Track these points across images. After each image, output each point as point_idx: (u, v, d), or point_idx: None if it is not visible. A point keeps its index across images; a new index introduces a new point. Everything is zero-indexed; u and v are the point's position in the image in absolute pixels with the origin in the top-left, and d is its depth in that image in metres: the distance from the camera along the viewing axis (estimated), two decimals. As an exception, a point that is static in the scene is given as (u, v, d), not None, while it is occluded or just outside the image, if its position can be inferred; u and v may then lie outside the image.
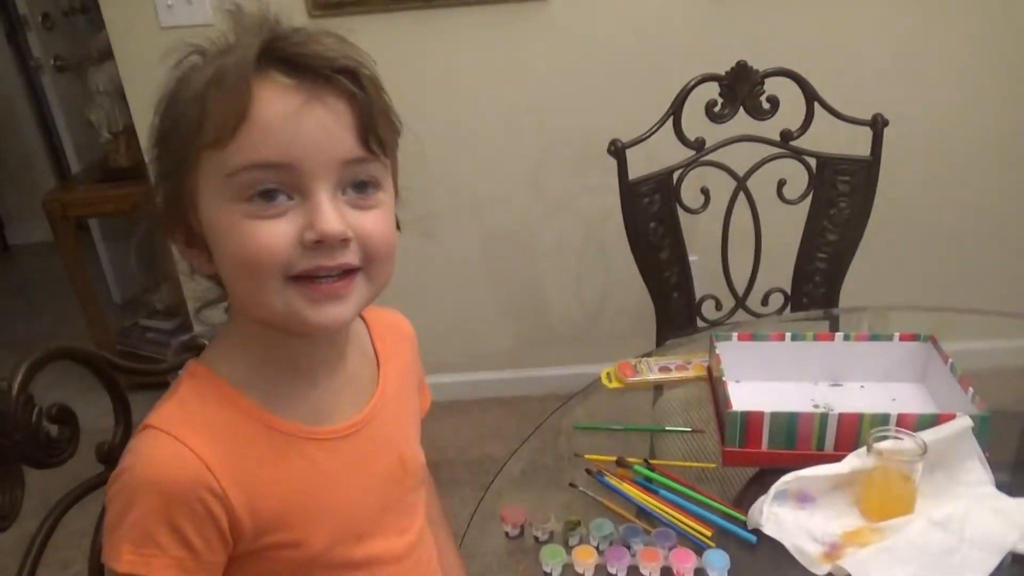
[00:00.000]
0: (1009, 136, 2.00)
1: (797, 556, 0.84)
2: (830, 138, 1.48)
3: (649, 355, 1.24)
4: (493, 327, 2.28)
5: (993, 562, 0.79)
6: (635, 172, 1.45)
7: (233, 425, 0.61)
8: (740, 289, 1.59)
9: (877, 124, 1.46)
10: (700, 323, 1.60)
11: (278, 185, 0.56)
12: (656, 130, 1.44)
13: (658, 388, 1.18)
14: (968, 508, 0.84)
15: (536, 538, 0.90)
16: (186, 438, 0.59)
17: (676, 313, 1.57)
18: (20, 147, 3.78)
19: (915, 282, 2.10)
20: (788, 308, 1.59)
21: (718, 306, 1.60)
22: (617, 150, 1.43)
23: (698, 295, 1.59)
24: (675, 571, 0.83)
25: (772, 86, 1.46)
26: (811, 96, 1.46)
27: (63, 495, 0.77)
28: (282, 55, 0.56)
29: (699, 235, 1.56)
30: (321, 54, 0.57)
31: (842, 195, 1.51)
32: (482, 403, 2.30)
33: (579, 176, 2.05)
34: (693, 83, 1.45)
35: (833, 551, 0.83)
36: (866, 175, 1.49)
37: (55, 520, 0.75)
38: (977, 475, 0.89)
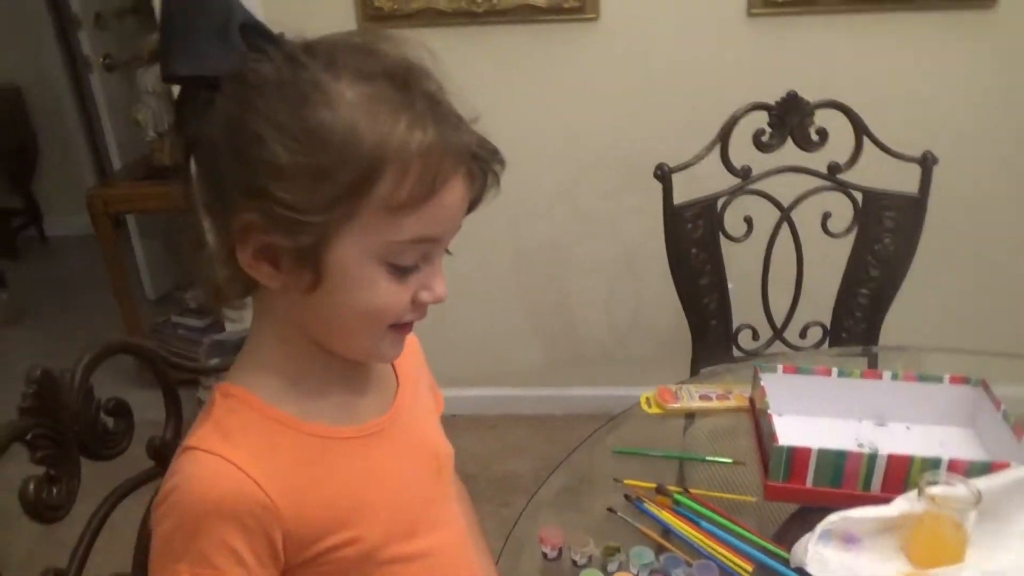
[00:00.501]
0: None
1: (842, 598, 0.82)
2: (878, 173, 1.47)
3: (688, 382, 1.23)
4: (521, 343, 2.28)
5: (1047, 617, 0.77)
6: (679, 197, 1.45)
7: (271, 437, 0.62)
8: (779, 320, 1.58)
9: (927, 161, 1.45)
10: (736, 352, 1.58)
11: (421, 255, 0.60)
12: (703, 156, 1.43)
13: (689, 417, 1.17)
14: (1020, 561, 0.82)
15: (574, 562, 0.89)
16: (228, 455, 0.59)
17: (713, 341, 1.56)
18: (63, 142, 3.85)
19: (956, 324, 2.07)
20: (827, 342, 1.58)
21: (755, 336, 1.59)
22: (664, 174, 1.43)
23: (735, 324, 1.57)
24: (716, 605, 0.81)
25: (822, 118, 1.45)
26: (860, 129, 1.45)
27: (113, 488, 0.78)
28: (478, 156, 0.60)
29: (740, 263, 1.55)
30: (496, 151, 0.61)
31: (887, 231, 1.49)
32: (506, 419, 2.30)
33: (617, 197, 2.05)
34: (743, 111, 1.44)
35: (880, 595, 0.82)
36: (913, 212, 1.47)
37: (107, 512, 0.75)
38: (1030, 526, 0.86)
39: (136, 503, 0.83)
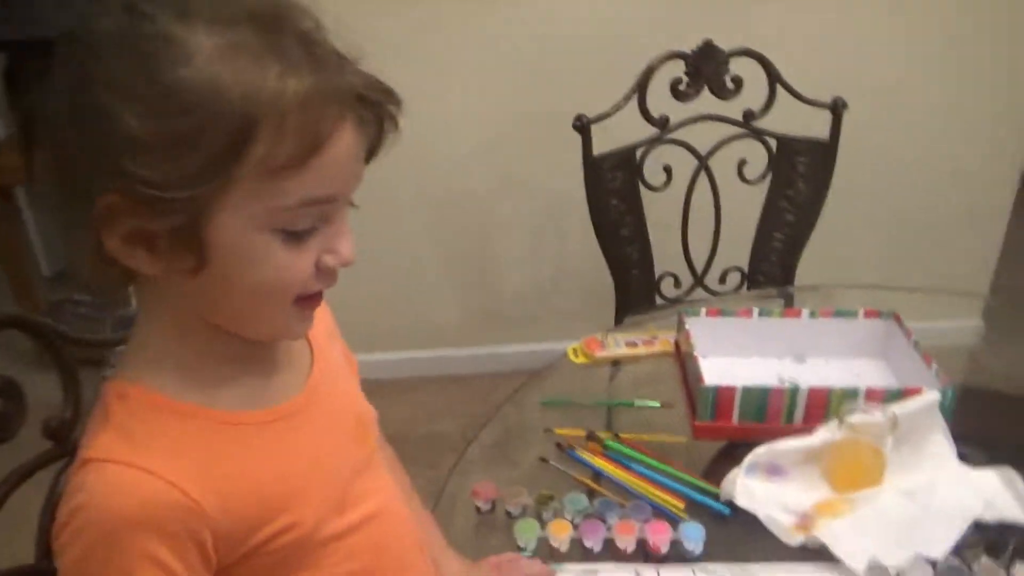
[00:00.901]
0: (965, 121, 2.06)
1: (770, 527, 0.84)
2: (792, 120, 1.49)
3: (614, 330, 1.23)
4: (441, 303, 2.25)
5: (960, 529, 0.81)
6: (598, 148, 1.44)
7: (182, 434, 0.56)
8: (699, 267, 1.60)
9: (836, 107, 1.48)
10: (659, 301, 1.60)
11: (318, 217, 0.54)
12: (621, 107, 1.42)
13: (615, 365, 1.18)
14: (934, 479, 0.86)
15: (509, 513, 0.88)
16: (139, 461, 0.53)
17: (636, 290, 1.57)
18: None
19: (869, 263, 2.15)
20: (745, 287, 1.61)
21: (677, 283, 1.61)
22: (582, 125, 1.42)
23: (657, 273, 1.59)
24: (651, 544, 0.82)
25: (737, 66, 1.46)
26: (774, 77, 1.47)
27: (8, 473, 0.72)
28: (367, 99, 0.53)
29: (660, 213, 1.56)
30: (388, 91, 0.55)
31: (800, 176, 1.53)
32: (429, 381, 2.26)
33: (536, 151, 2.03)
34: (659, 60, 1.44)
35: (805, 522, 0.84)
36: (824, 157, 1.51)
37: (3, 497, 0.69)
38: (941, 447, 0.91)
39: (35, 489, 0.77)
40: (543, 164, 2.03)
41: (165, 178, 0.48)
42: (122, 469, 0.53)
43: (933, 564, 0.78)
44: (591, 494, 0.90)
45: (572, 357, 1.17)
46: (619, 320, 1.55)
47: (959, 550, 0.79)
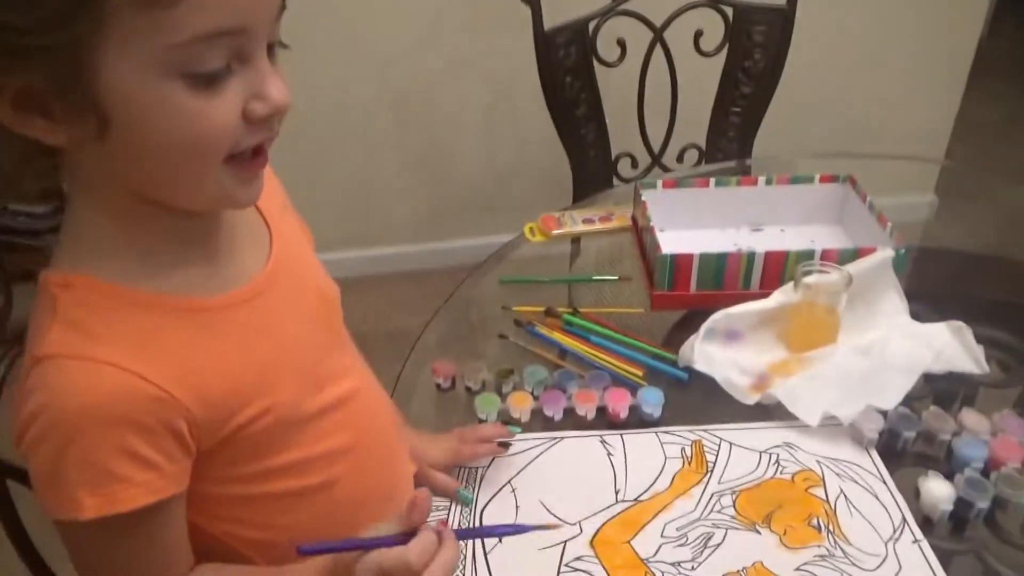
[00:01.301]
0: None
1: (727, 388, 0.85)
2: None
3: (571, 208, 1.21)
4: (396, 197, 2.19)
5: (911, 381, 0.82)
6: (549, 23, 1.37)
7: (142, 323, 0.52)
8: (656, 146, 1.57)
9: (794, -30, 1.42)
10: (616, 182, 1.58)
11: (228, 55, 0.47)
12: (572, -27, 1.35)
13: (575, 243, 1.16)
14: (887, 335, 0.87)
15: (469, 388, 0.88)
16: (99, 354, 0.49)
17: (593, 171, 1.54)
18: None
19: (826, 136, 2.13)
20: (703, 163, 1.59)
21: (634, 164, 1.58)
22: (532, -3, 1.34)
23: (614, 153, 1.56)
24: (611, 410, 0.83)
25: (691, -73, 1.39)
26: (730, -61, 1.40)
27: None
28: None
29: (615, 90, 1.51)
30: None
31: (757, 45, 1.48)
32: (388, 278, 2.23)
33: (485, 33, 1.94)
34: (610, -77, 1.36)
35: (761, 382, 0.85)
36: (781, 24, 1.46)
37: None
38: (894, 305, 0.92)
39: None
40: (489, 49, 1.95)
41: (26, 22, 0.42)
42: (82, 364, 0.49)
43: (884, 414, 0.80)
44: (552, 368, 0.90)
45: (529, 236, 1.15)
46: (577, 201, 1.53)
47: (909, 401, 0.81)
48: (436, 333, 0.98)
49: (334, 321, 0.69)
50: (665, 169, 1.59)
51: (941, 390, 0.85)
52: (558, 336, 0.94)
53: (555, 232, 1.14)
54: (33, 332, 0.52)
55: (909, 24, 2.05)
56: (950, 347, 0.86)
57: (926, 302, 0.94)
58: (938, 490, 0.71)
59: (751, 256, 0.94)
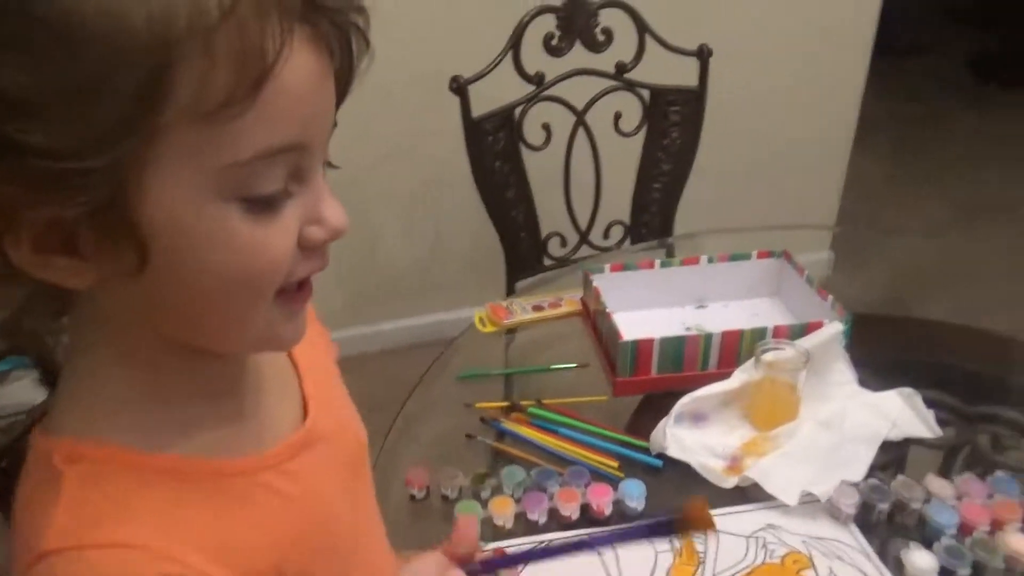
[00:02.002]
0: (826, 64, 2.17)
1: (704, 474, 0.86)
2: (663, 70, 1.51)
3: (517, 296, 1.22)
4: (322, 283, 2.15)
5: (872, 451, 0.86)
6: (478, 110, 1.40)
7: (168, 494, 0.43)
8: (583, 224, 1.61)
9: (703, 54, 1.51)
10: (547, 261, 1.60)
11: (287, 175, 0.41)
12: (497, 63, 1.39)
13: (510, 332, 1.16)
14: (844, 407, 0.91)
15: (445, 497, 0.85)
16: (120, 536, 0.41)
17: (525, 252, 1.56)
18: None
19: (737, 205, 2.24)
20: (628, 240, 1.64)
21: (563, 243, 1.61)
22: (460, 87, 1.37)
23: (543, 233, 1.58)
24: (595, 507, 0.82)
25: (607, 18, 1.46)
26: (642, 27, 1.48)
27: None
28: (319, 3, 0.39)
29: (542, 172, 1.54)
30: None
31: (673, 124, 1.56)
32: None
33: (414, 118, 1.95)
34: (530, 15, 1.41)
35: (735, 464, 0.87)
36: (695, 104, 1.55)
37: None
38: (844, 376, 0.96)
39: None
40: (422, 131, 1.96)
41: (68, 143, 0.35)
42: (102, 553, 0.40)
43: (856, 486, 0.82)
44: (526, 465, 0.88)
45: (480, 327, 1.14)
46: (510, 285, 1.54)
47: (874, 470, 0.84)
48: (397, 434, 0.95)
49: (365, 471, 0.60)
50: (593, 246, 1.62)
51: (902, 455, 0.89)
52: (527, 431, 0.93)
53: (506, 321, 1.14)
54: (28, 518, 0.42)
55: (801, 92, 2.21)
56: (904, 414, 0.90)
57: (869, 368, 0.99)
58: (920, 561, 0.74)
59: (708, 338, 0.96)
